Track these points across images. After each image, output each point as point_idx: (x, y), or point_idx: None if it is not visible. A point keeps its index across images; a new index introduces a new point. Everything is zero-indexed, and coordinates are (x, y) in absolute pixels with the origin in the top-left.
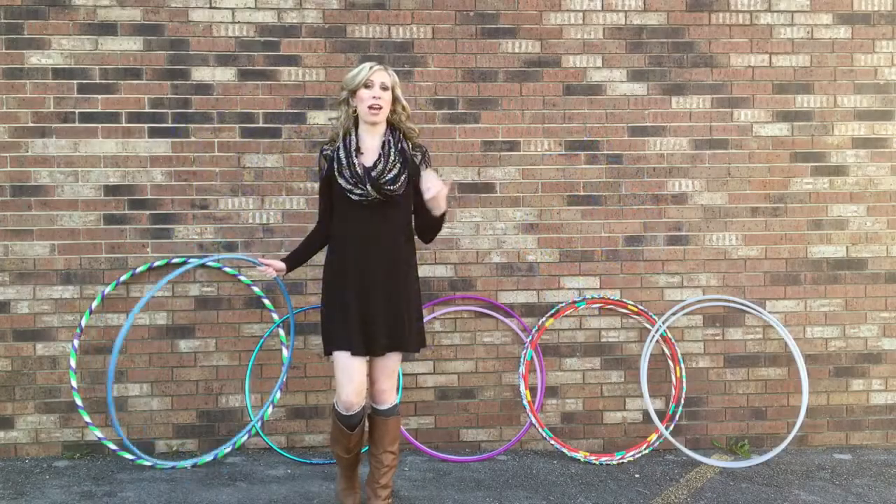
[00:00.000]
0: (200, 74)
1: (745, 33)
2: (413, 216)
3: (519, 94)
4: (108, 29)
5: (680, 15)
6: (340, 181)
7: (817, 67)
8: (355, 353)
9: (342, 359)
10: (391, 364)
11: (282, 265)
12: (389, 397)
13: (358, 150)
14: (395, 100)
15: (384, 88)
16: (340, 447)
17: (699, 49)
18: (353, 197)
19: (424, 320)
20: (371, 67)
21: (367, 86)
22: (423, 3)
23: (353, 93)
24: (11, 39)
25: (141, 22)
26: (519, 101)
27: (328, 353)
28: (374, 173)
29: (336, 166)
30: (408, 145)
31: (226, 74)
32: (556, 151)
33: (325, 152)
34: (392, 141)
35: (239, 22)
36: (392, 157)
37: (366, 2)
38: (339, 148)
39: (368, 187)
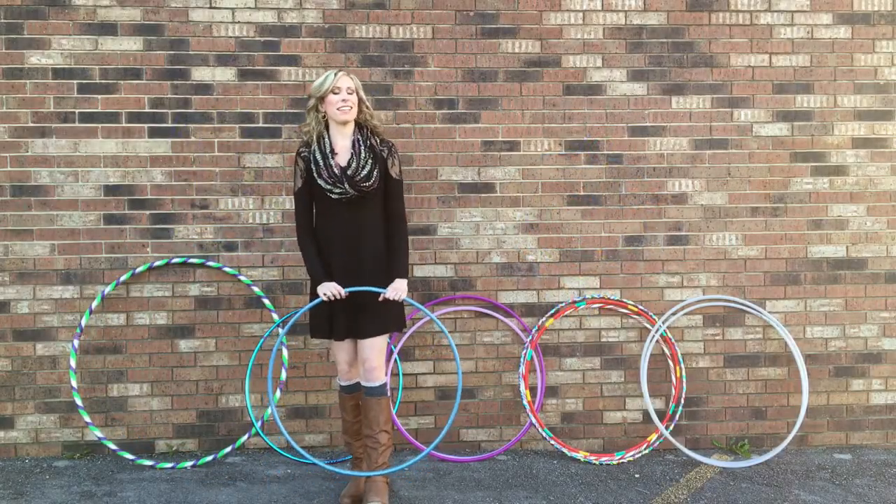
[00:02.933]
0: (200, 74)
1: (745, 33)
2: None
3: (519, 94)
4: (108, 29)
5: (680, 15)
6: (320, 182)
7: (817, 67)
8: (336, 338)
9: (333, 342)
10: (375, 342)
11: (336, 286)
12: (378, 374)
13: (333, 151)
14: (359, 101)
15: (350, 92)
16: (344, 412)
17: (699, 49)
18: (333, 196)
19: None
20: (336, 74)
21: (334, 91)
22: (423, 3)
23: (322, 99)
24: (11, 39)
25: (141, 22)
26: (519, 101)
27: (312, 336)
28: (349, 172)
29: (314, 168)
30: (376, 141)
31: (226, 74)
32: (556, 151)
33: (302, 154)
34: (361, 139)
35: (239, 22)
36: (363, 155)
37: (366, 2)
38: (314, 151)
39: (346, 185)
